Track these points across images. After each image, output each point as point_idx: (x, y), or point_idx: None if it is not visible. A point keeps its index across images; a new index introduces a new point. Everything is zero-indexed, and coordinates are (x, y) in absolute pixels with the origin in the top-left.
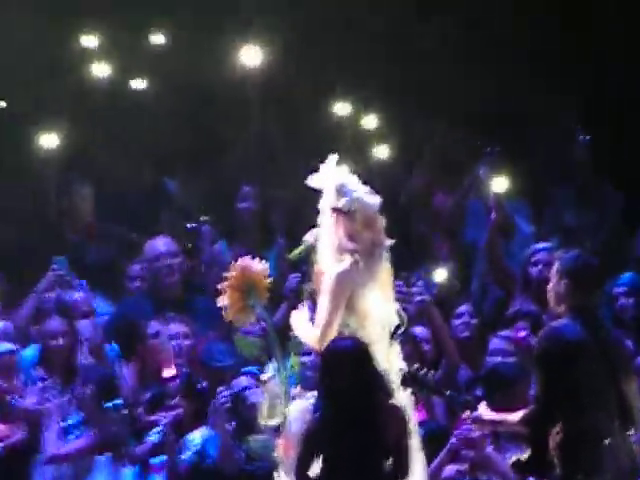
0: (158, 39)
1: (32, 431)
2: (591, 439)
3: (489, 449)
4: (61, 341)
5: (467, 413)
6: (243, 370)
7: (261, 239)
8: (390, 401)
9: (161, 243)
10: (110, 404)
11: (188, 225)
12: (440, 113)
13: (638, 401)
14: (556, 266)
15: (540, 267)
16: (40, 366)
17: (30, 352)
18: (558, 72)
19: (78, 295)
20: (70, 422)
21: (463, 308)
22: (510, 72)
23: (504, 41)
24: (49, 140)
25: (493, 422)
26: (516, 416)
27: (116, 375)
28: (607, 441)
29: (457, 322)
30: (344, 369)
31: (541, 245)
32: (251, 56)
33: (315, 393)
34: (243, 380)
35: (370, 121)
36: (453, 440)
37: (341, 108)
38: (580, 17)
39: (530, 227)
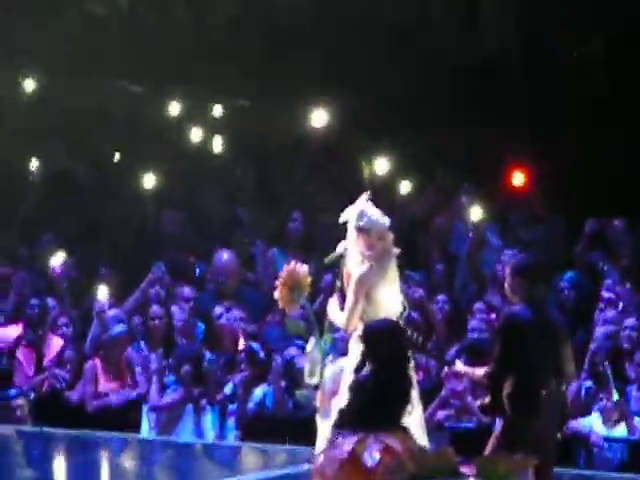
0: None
1: (142, 388)
2: (531, 391)
3: (469, 398)
4: (158, 322)
5: (446, 369)
6: (292, 343)
7: (305, 248)
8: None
9: (225, 254)
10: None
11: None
12: (438, 159)
13: (570, 365)
14: (509, 266)
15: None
16: (144, 341)
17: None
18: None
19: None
20: (167, 381)
21: (440, 297)
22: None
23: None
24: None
25: (466, 374)
26: (480, 371)
27: (201, 350)
28: (544, 392)
29: (435, 307)
30: (387, 341)
31: (506, 253)
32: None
33: (344, 360)
34: (292, 350)
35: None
36: (443, 392)
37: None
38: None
39: (498, 240)
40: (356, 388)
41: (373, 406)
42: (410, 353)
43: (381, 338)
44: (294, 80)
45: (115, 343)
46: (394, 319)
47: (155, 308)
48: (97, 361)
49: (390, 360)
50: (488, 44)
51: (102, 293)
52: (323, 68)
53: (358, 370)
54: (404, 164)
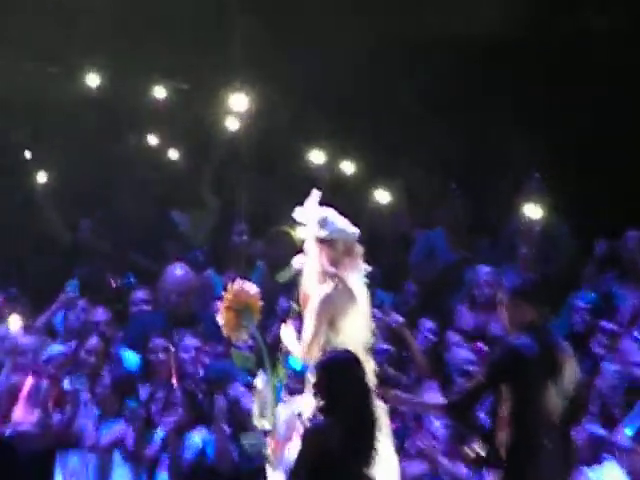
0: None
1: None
2: (533, 437)
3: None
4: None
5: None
6: (238, 379)
7: (244, 264)
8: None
9: (179, 269)
10: (129, 403)
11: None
12: (418, 162)
13: (578, 405)
14: (508, 289)
15: (485, 289)
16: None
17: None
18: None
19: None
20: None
21: (426, 323)
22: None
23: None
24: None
25: (406, 402)
26: (436, 399)
27: (134, 378)
28: (546, 440)
29: (420, 336)
30: (345, 375)
31: (484, 269)
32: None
33: (299, 399)
34: (238, 388)
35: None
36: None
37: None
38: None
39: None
40: (309, 438)
41: (329, 461)
42: (377, 393)
43: (335, 373)
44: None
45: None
46: (358, 350)
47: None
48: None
49: (346, 401)
50: None
51: (14, 323)
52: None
53: (316, 413)
54: (373, 161)
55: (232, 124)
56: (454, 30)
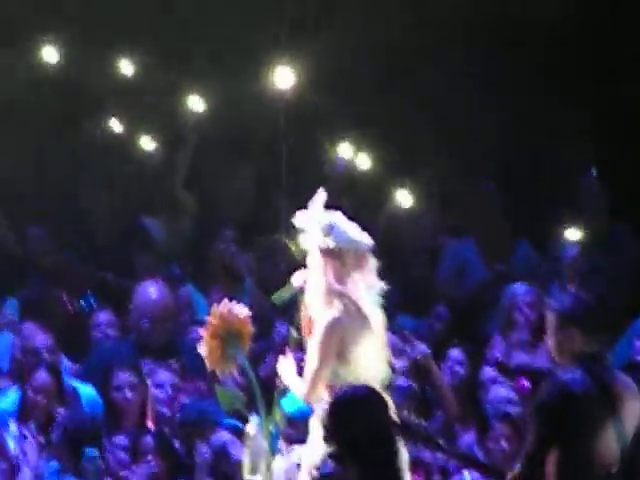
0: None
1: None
2: None
3: None
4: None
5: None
6: (224, 424)
7: (231, 281)
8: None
9: (152, 288)
10: (88, 453)
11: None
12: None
13: None
14: (555, 312)
15: (526, 310)
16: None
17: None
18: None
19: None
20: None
21: (455, 354)
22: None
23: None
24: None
25: None
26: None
27: (94, 423)
28: None
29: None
30: (363, 415)
31: (522, 287)
32: None
33: (300, 449)
34: (224, 435)
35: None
36: None
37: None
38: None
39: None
40: None
41: None
42: (401, 440)
43: (353, 413)
44: None
45: None
46: (375, 386)
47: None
48: None
49: (367, 447)
50: None
51: None
52: None
53: (323, 464)
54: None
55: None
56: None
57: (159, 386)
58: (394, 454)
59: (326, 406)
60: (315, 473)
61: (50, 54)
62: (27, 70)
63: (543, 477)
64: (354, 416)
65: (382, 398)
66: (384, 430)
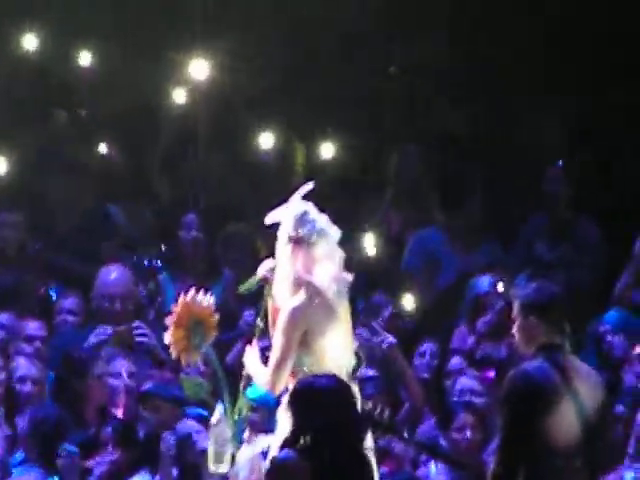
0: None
1: None
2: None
3: None
4: None
5: None
6: (189, 413)
7: (206, 271)
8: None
9: (114, 272)
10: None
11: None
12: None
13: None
14: (519, 302)
15: (490, 301)
16: None
17: None
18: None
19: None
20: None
21: (425, 347)
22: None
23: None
24: None
25: None
26: None
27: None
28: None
29: (418, 362)
30: (325, 403)
31: (487, 278)
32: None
33: (265, 438)
34: (189, 424)
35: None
36: None
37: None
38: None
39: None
40: (271, 476)
41: None
42: (367, 430)
43: (319, 402)
44: None
45: None
46: (342, 376)
47: None
48: None
49: (333, 436)
50: None
51: None
52: None
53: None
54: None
55: (187, 96)
56: None
57: (116, 375)
58: (357, 444)
59: (290, 394)
60: (270, 459)
61: (21, 42)
62: None
63: (519, 470)
64: (315, 404)
65: (346, 387)
66: (347, 420)
